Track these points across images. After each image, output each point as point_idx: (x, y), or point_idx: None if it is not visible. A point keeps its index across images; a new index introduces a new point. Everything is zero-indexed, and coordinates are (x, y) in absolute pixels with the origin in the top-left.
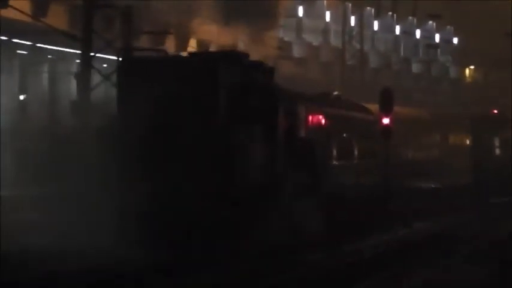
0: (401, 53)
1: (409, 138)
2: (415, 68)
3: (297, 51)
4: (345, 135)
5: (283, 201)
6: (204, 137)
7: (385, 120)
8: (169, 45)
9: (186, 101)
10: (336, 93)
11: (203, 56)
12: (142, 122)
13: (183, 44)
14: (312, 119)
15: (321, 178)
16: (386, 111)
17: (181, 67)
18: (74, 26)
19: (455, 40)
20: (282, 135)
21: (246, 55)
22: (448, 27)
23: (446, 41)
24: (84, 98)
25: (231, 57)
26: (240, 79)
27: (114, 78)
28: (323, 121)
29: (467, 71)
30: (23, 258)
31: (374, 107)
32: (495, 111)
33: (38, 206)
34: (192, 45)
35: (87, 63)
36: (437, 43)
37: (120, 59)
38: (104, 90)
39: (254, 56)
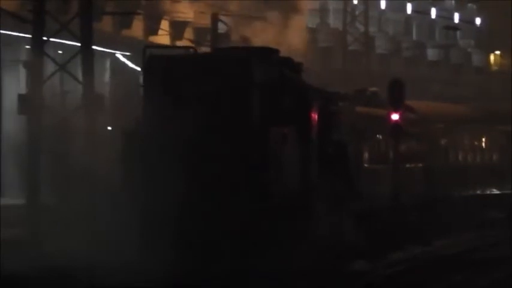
0: (414, 37)
1: (458, 139)
2: (431, 54)
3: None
4: (381, 136)
5: (318, 208)
6: (237, 139)
7: (395, 116)
8: (137, 28)
9: (218, 101)
10: (372, 89)
11: (234, 52)
12: (171, 123)
13: (153, 26)
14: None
15: (354, 184)
16: (395, 105)
17: (212, 65)
18: (24, 6)
19: (478, 21)
20: (315, 137)
21: (277, 51)
22: (470, 5)
23: (467, 21)
24: (35, 91)
25: (262, 53)
26: (272, 77)
27: (70, 67)
28: (358, 122)
29: (492, 57)
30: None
31: (415, 103)
32: None
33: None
34: (164, 28)
35: (39, 49)
36: (457, 24)
37: (147, 56)
38: (59, 82)
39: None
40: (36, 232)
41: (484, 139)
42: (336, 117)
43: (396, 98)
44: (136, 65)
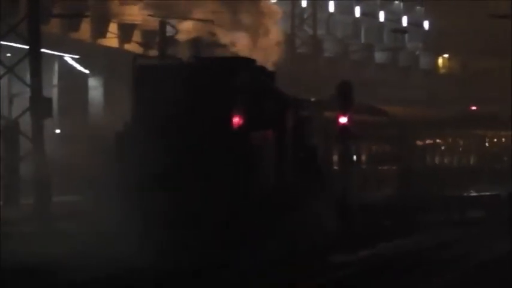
0: (362, 39)
1: (434, 142)
2: (379, 56)
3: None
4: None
5: (293, 205)
6: (221, 142)
7: (343, 119)
8: (85, 30)
9: (203, 107)
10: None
11: (217, 62)
12: (160, 128)
13: (101, 28)
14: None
15: (322, 184)
16: (344, 108)
17: (197, 74)
18: None
19: (426, 23)
20: (289, 141)
21: (254, 60)
22: (418, 8)
23: (415, 24)
24: None
25: (242, 63)
26: (252, 85)
27: (18, 70)
28: (327, 126)
29: (440, 60)
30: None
31: (390, 108)
32: (473, 108)
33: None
34: (112, 30)
35: None
36: (405, 27)
37: (137, 66)
38: (7, 85)
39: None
40: None
41: (459, 142)
42: (307, 122)
43: (345, 101)
44: (85, 67)
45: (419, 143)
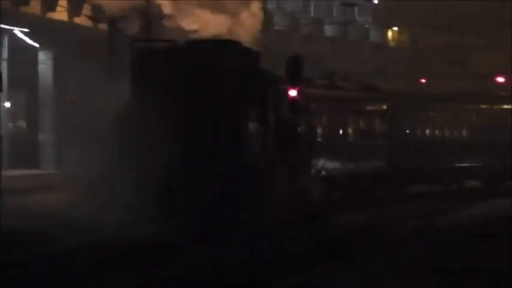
0: (312, 13)
1: (426, 117)
2: (329, 30)
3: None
4: (334, 115)
5: (278, 178)
6: (213, 118)
7: (292, 93)
8: (35, 4)
9: (196, 86)
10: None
11: (207, 44)
12: (157, 106)
13: (51, 2)
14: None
15: (305, 158)
16: (293, 82)
17: (190, 56)
18: None
19: None
20: (273, 117)
21: (239, 42)
22: None
23: None
24: None
25: (229, 44)
26: (239, 65)
27: None
28: (310, 102)
29: (390, 33)
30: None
31: (383, 83)
32: (423, 81)
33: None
34: (62, 4)
35: None
36: (354, 0)
37: (135, 49)
38: None
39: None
40: None
41: (451, 117)
42: (290, 99)
43: (294, 74)
44: (35, 41)
45: (411, 118)
